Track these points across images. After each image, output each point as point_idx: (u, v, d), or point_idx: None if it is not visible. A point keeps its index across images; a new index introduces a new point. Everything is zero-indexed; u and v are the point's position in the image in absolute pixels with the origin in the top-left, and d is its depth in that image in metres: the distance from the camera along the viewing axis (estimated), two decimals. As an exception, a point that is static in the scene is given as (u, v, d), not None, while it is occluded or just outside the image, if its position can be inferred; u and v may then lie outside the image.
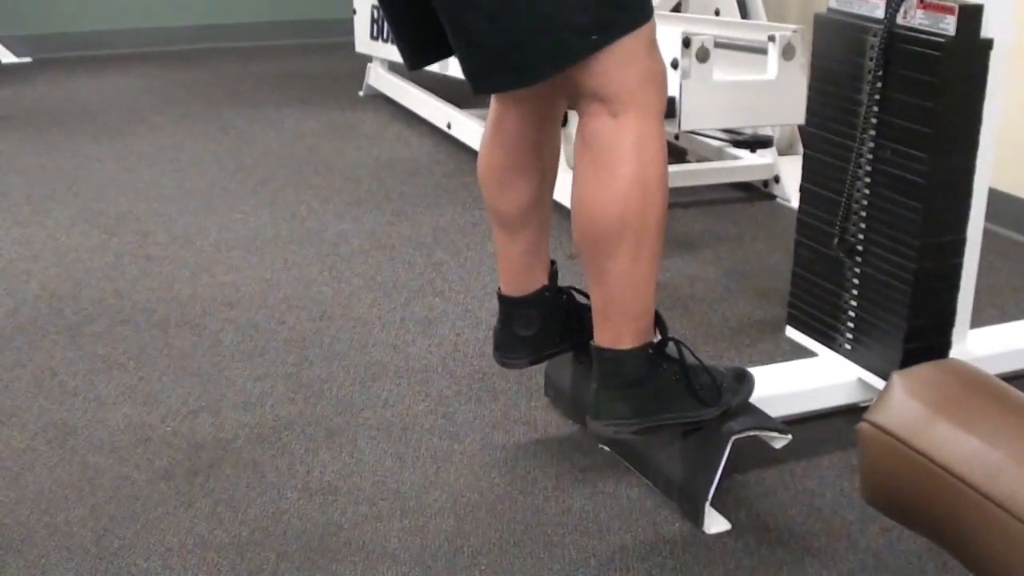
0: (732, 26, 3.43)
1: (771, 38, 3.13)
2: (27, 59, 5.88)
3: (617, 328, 1.96)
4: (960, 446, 1.19)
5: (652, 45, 1.89)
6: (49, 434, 2.38)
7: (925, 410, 1.25)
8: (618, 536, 2.04)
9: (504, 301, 2.23)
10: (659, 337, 2.03)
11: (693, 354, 2.08)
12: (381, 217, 3.71)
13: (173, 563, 1.96)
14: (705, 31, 3.12)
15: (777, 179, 3.89)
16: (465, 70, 1.87)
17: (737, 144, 3.84)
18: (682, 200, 3.82)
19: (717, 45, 3.06)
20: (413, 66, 2.07)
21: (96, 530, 2.06)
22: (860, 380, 2.35)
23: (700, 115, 3.06)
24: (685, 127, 3.06)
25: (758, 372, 2.34)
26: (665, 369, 2.01)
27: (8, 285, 3.14)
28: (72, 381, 2.60)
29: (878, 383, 2.30)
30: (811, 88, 2.35)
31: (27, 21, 6.07)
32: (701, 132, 3.87)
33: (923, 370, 1.34)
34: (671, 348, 2.03)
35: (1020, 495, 1.12)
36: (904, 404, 1.28)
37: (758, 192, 3.98)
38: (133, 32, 6.27)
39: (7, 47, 5.94)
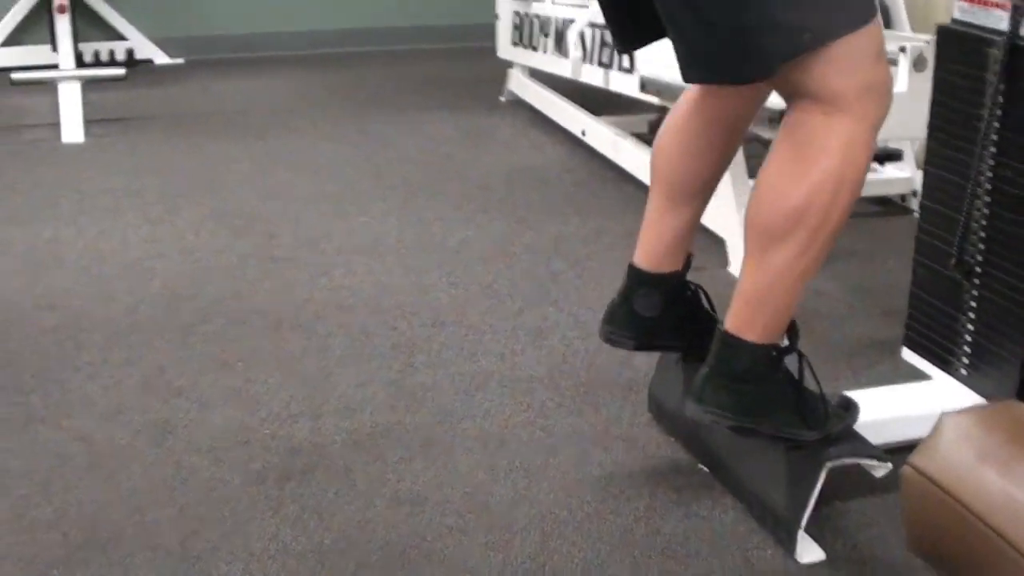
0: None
1: (902, 49, 3.01)
2: (180, 60, 6.01)
3: (752, 317, 1.91)
4: (999, 498, 1.10)
5: (877, 53, 1.84)
6: (150, 433, 2.40)
7: (970, 456, 1.17)
8: (706, 562, 1.97)
9: (634, 274, 2.18)
10: (787, 343, 1.96)
11: (813, 373, 2.00)
12: (506, 225, 3.68)
13: (254, 568, 1.96)
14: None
15: (915, 193, 3.75)
16: (678, 58, 1.87)
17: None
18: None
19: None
20: (624, 48, 2.12)
21: (183, 531, 2.07)
22: (975, 405, 2.24)
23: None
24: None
25: (870, 394, 2.25)
26: (780, 377, 1.95)
27: (131, 283, 3.20)
28: (179, 380, 2.63)
29: (996, 412, 2.18)
30: (933, 101, 2.25)
31: (181, 23, 6.21)
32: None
33: (978, 412, 1.25)
34: (791, 361, 1.96)
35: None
36: (950, 448, 1.19)
37: (895, 207, 3.84)
38: (281, 35, 6.37)
39: (162, 48, 6.08)
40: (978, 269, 2.17)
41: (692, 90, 2.10)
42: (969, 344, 2.22)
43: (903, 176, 3.73)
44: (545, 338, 2.84)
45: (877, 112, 1.84)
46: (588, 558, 1.98)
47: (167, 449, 2.34)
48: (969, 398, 2.23)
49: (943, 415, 1.27)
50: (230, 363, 2.72)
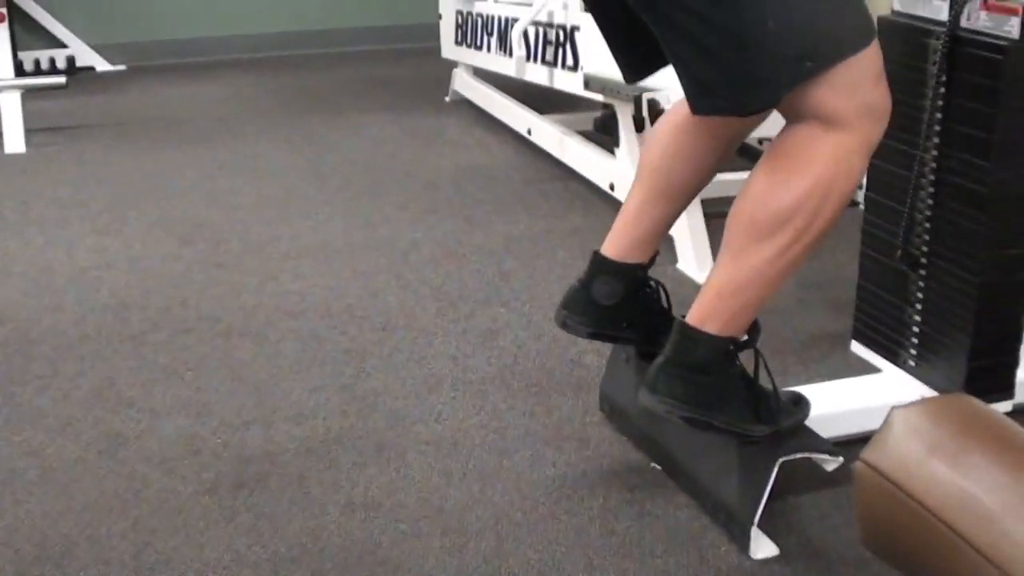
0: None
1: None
2: (122, 67, 5.97)
3: (719, 310, 1.92)
4: (951, 491, 1.11)
5: (877, 74, 1.87)
6: (101, 445, 2.38)
7: (920, 450, 1.18)
8: (661, 560, 1.97)
9: (598, 261, 2.19)
10: (746, 339, 1.97)
11: (768, 370, 2.01)
12: (455, 225, 3.67)
13: (207, 579, 1.95)
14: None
15: (862, 187, 3.77)
16: (684, 90, 1.88)
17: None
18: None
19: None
20: (631, 79, 2.12)
21: (136, 543, 2.05)
22: (924, 399, 2.26)
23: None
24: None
25: (820, 388, 2.27)
26: (735, 371, 1.96)
27: (79, 293, 3.17)
28: (129, 391, 2.61)
29: (944, 402, 2.21)
30: None
31: (121, 30, 6.16)
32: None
33: (927, 405, 1.26)
34: (746, 357, 1.98)
35: (1004, 546, 1.04)
36: (900, 442, 1.20)
37: (843, 199, 3.87)
38: (223, 39, 6.33)
39: (102, 55, 6.04)
40: (923, 260, 2.19)
41: None
42: (916, 336, 2.25)
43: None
44: (496, 339, 2.84)
45: (875, 132, 1.88)
46: (544, 559, 1.98)
47: (119, 461, 2.32)
48: (918, 390, 2.26)
49: (892, 409, 1.28)
50: (180, 372, 2.70)
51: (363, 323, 2.95)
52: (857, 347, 2.43)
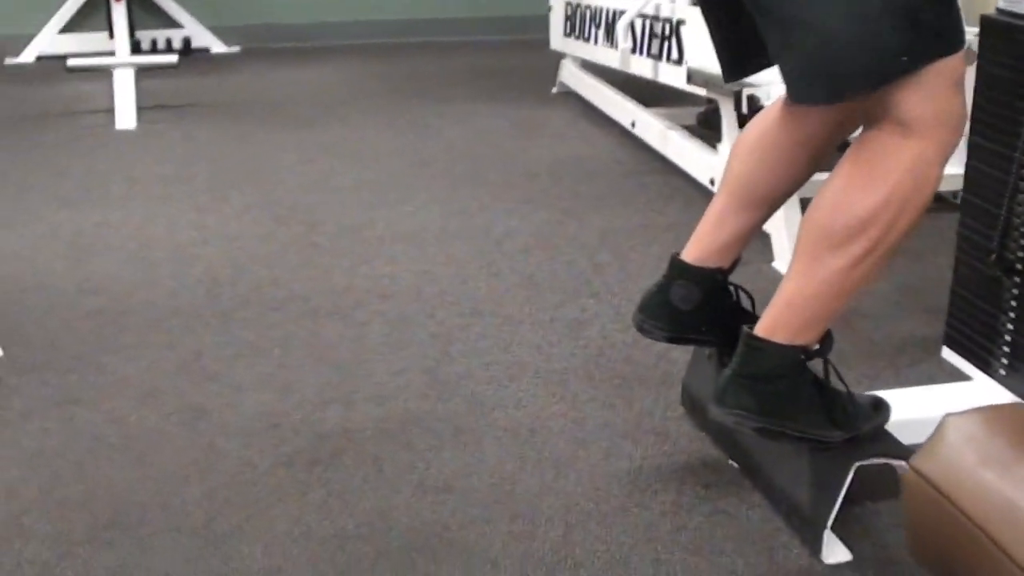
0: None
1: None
2: (236, 49, 6.05)
3: (789, 319, 1.88)
4: (997, 502, 1.06)
5: (958, 84, 1.83)
6: (183, 416, 2.41)
7: (971, 459, 1.13)
8: (729, 559, 1.94)
9: (676, 265, 2.16)
10: (817, 347, 1.93)
11: (841, 378, 1.97)
12: (550, 215, 3.66)
13: (274, 551, 1.96)
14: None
15: (992, 271, 3.68)
16: (785, 79, 1.87)
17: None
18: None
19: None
20: (729, 77, 2.11)
21: (209, 512, 2.07)
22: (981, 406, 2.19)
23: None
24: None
25: (906, 393, 2.21)
26: (804, 379, 1.91)
27: (174, 269, 3.21)
28: (214, 365, 2.64)
29: (1034, 413, 2.14)
30: (976, 93, 2.21)
31: (238, 12, 6.26)
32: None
33: (983, 413, 1.21)
34: (816, 366, 1.93)
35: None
36: (951, 451, 1.15)
37: (947, 204, 3.77)
38: (337, 25, 6.40)
39: (219, 36, 6.12)
40: (1019, 266, 2.12)
41: (781, 103, 2.07)
42: (1008, 344, 2.18)
43: (955, 172, 3.65)
44: (583, 330, 2.82)
45: (950, 140, 1.83)
46: (611, 551, 1.96)
47: (198, 432, 2.35)
48: (1008, 400, 2.19)
49: (946, 416, 1.24)
50: (266, 349, 2.72)
51: (451, 308, 2.95)
52: (948, 354, 2.36)
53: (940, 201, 3.76)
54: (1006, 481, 1.10)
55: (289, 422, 2.38)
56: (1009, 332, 2.17)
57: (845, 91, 1.83)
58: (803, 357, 1.90)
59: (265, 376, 2.58)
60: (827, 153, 2.10)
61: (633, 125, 4.40)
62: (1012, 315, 2.15)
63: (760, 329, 1.89)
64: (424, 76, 5.68)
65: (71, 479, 2.18)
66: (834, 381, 1.97)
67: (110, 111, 4.74)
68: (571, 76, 5.18)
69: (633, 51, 4.26)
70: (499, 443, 2.30)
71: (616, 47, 4.37)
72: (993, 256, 2.14)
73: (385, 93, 5.33)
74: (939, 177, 1.85)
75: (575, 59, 5.15)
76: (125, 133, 4.62)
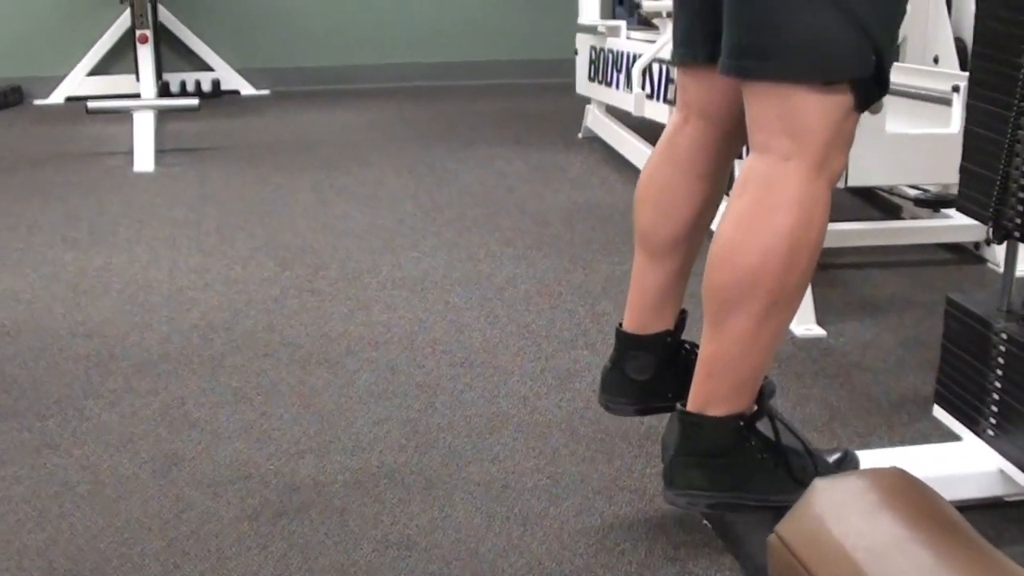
0: (914, 73, 3.19)
1: (955, 88, 2.89)
2: (265, 91, 6.07)
3: (713, 390, 1.81)
4: (844, 571, 1.01)
5: (856, 105, 1.76)
6: (156, 464, 2.38)
7: (830, 527, 1.07)
8: (690, 624, 1.87)
9: (622, 338, 2.09)
10: (755, 409, 1.86)
11: (796, 434, 1.90)
12: (557, 263, 3.62)
13: (225, 608, 1.92)
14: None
15: (988, 241, 3.60)
16: (728, 49, 1.76)
17: (918, 203, 3.57)
18: (883, 259, 3.59)
19: (895, 94, 2.85)
20: (678, 61, 1.98)
21: (166, 565, 2.03)
22: (1002, 472, 2.11)
23: (870, 171, 2.84)
24: (852, 183, 2.85)
25: (892, 454, 2.14)
26: (753, 445, 1.84)
27: (171, 312, 3.20)
28: (197, 412, 2.61)
29: (1021, 477, 2.06)
30: (974, 57, 2.09)
31: (266, 55, 6.30)
32: (882, 188, 3.63)
33: (856, 478, 1.15)
34: (765, 424, 1.86)
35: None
36: (812, 518, 1.10)
37: (969, 255, 3.70)
38: (364, 68, 6.43)
39: (248, 80, 6.16)
40: (1017, 234, 2.03)
41: (665, 133, 2.01)
42: (996, 403, 2.10)
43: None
44: (573, 381, 2.77)
45: (837, 167, 1.76)
46: (569, 614, 1.90)
47: (169, 481, 2.32)
48: (996, 463, 2.11)
49: (816, 480, 1.19)
50: (250, 396, 2.69)
51: (442, 358, 2.91)
52: (939, 412, 2.28)
53: (962, 252, 3.69)
54: (858, 551, 1.04)
55: (260, 473, 2.35)
56: (997, 390, 2.09)
57: (805, 72, 1.70)
58: (742, 424, 1.82)
59: (246, 424, 2.55)
60: (722, 178, 2.02)
61: (652, 171, 4.35)
62: (999, 372, 2.07)
63: (692, 405, 1.83)
64: (450, 119, 5.67)
65: (34, 527, 2.16)
66: (793, 437, 1.90)
67: (130, 153, 4.77)
68: (595, 121, 5.16)
69: (650, 96, 4.21)
70: (470, 498, 2.25)
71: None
72: (990, 225, 2.05)
73: (408, 136, 5.33)
74: (828, 211, 1.76)
75: (599, 104, 5.12)
76: (142, 176, 4.64)
